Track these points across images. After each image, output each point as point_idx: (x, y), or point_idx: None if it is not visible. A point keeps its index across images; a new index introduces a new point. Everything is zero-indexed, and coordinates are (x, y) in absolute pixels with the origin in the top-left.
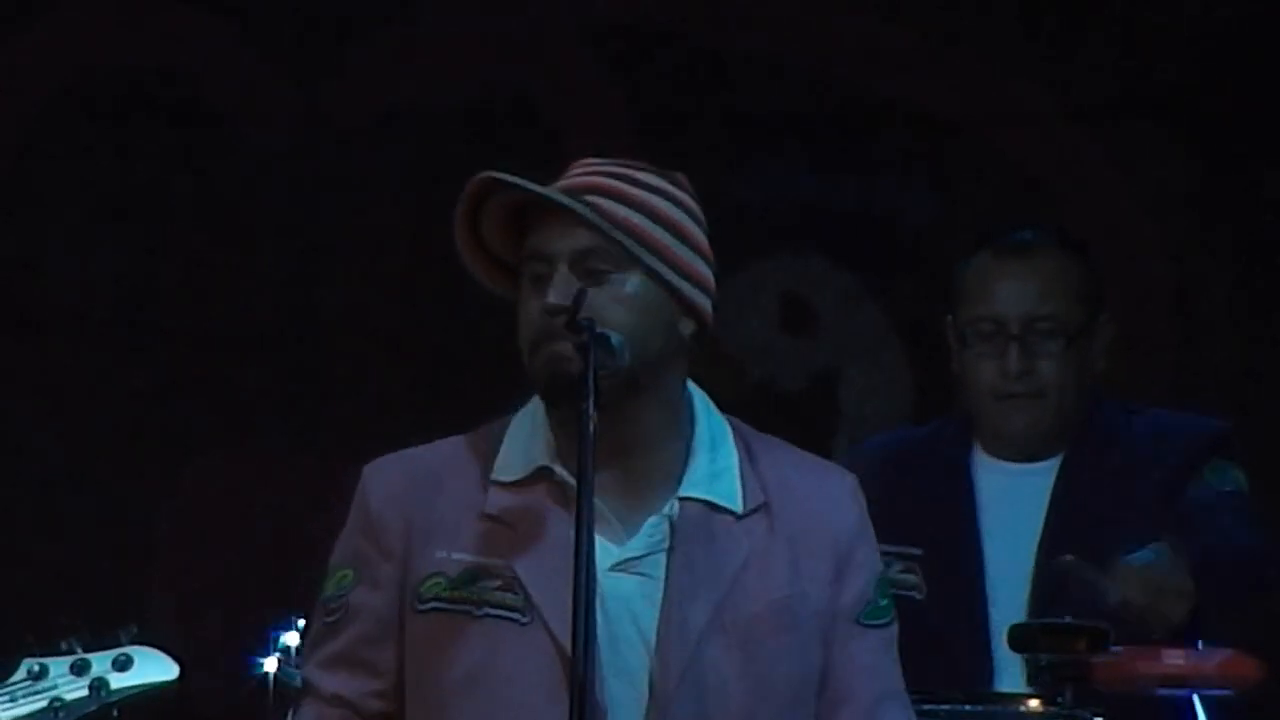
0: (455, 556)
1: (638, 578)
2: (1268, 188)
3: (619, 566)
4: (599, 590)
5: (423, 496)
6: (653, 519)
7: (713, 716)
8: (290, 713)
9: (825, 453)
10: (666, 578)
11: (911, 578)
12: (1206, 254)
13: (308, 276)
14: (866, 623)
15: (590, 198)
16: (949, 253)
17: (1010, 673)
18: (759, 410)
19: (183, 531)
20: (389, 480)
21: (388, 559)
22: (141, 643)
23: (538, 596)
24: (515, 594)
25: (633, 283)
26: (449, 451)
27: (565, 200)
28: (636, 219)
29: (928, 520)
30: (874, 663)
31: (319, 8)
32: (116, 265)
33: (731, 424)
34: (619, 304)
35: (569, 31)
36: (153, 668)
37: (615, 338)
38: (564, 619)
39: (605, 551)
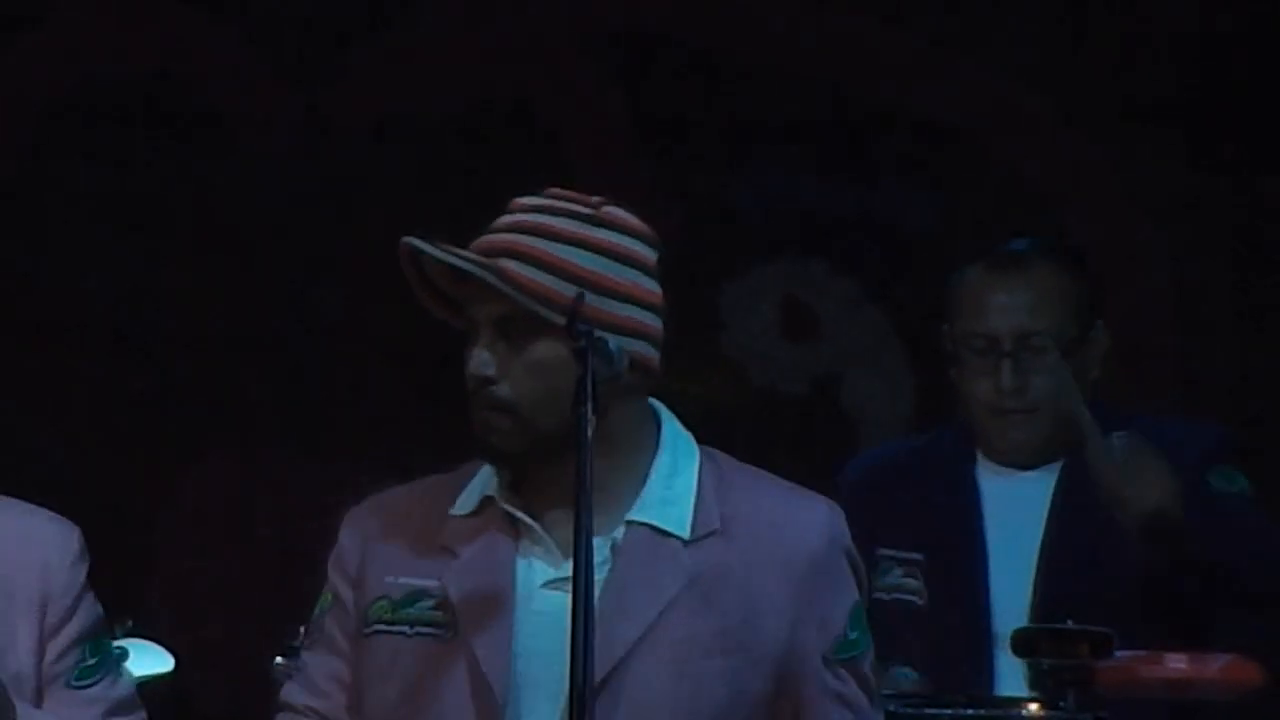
0: (401, 581)
1: (570, 596)
2: (1267, 193)
3: (552, 584)
4: (530, 606)
5: (387, 529)
6: (599, 537)
7: None
8: None
9: (826, 457)
10: (600, 596)
11: (913, 582)
12: (1206, 259)
13: (308, 281)
14: (836, 657)
15: (503, 262)
16: (949, 257)
17: (1011, 678)
18: (761, 415)
19: (183, 535)
20: (365, 514)
21: (350, 586)
22: (136, 635)
23: (461, 612)
24: (444, 612)
25: (548, 348)
26: (425, 489)
27: (474, 269)
28: (546, 281)
29: (931, 526)
30: (844, 695)
31: (318, 13)
32: (117, 269)
33: (707, 454)
34: (533, 371)
35: (568, 37)
36: (147, 660)
37: (613, 343)
38: (484, 634)
39: (540, 571)
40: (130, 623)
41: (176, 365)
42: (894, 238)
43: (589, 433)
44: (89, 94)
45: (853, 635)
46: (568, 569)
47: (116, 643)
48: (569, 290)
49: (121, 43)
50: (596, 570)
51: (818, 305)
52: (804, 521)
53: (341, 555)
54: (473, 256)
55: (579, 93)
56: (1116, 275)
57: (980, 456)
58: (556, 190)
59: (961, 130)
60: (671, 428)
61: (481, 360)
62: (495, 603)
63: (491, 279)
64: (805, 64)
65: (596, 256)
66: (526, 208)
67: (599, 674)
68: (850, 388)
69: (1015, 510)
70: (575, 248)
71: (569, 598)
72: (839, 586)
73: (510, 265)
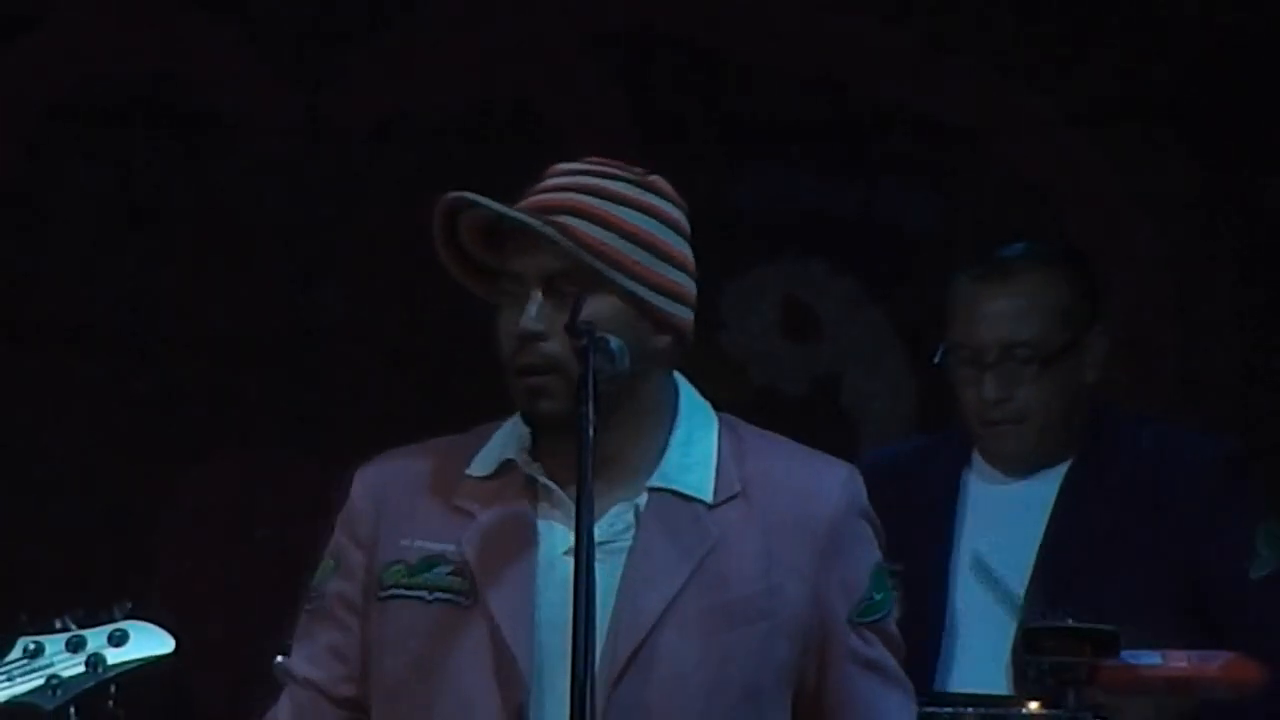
0: (417, 544)
1: (597, 564)
2: (1269, 193)
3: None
4: (552, 574)
5: (401, 490)
6: (616, 507)
7: (665, 704)
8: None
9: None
10: (626, 563)
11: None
12: (1208, 259)
13: (309, 282)
14: (860, 620)
15: (561, 218)
16: (950, 258)
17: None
18: (761, 415)
19: (184, 536)
20: (373, 475)
21: (360, 548)
22: (136, 618)
23: (481, 579)
24: (463, 578)
25: (604, 305)
26: (439, 449)
27: (535, 224)
28: (608, 240)
29: (909, 532)
30: (871, 658)
31: (320, 13)
32: (118, 271)
33: (724, 420)
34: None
35: (570, 36)
36: (148, 642)
37: (615, 342)
38: (504, 600)
39: (562, 537)
40: (130, 605)
41: (177, 366)
42: (895, 238)
43: (590, 432)
44: (89, 94)
45: (877, 596)
46: (593, 534)
47: (117, 625)
48: (627, 249)
49: (122, 43)
50: (619, 537)
51: (818, 305)
52: (824, 484)
53: (353, 517)
54: (530, 211)
55: (580, 93)
56: (1117, 275)
57: (977, 461)
58: (597, 158)
59: (962, 130)
60: (689, 396)
61: (532, 315)
62: (516, 570)
63: (553, 234)
64: (806, 64)
65: (650, 219)
66: (575, 171)
67: (629, 647)
68: (850, 388)
69: (1006, 516)
70: (631, 209)
71: (596, 565)
72: (860, 548)
73: (570, 222)
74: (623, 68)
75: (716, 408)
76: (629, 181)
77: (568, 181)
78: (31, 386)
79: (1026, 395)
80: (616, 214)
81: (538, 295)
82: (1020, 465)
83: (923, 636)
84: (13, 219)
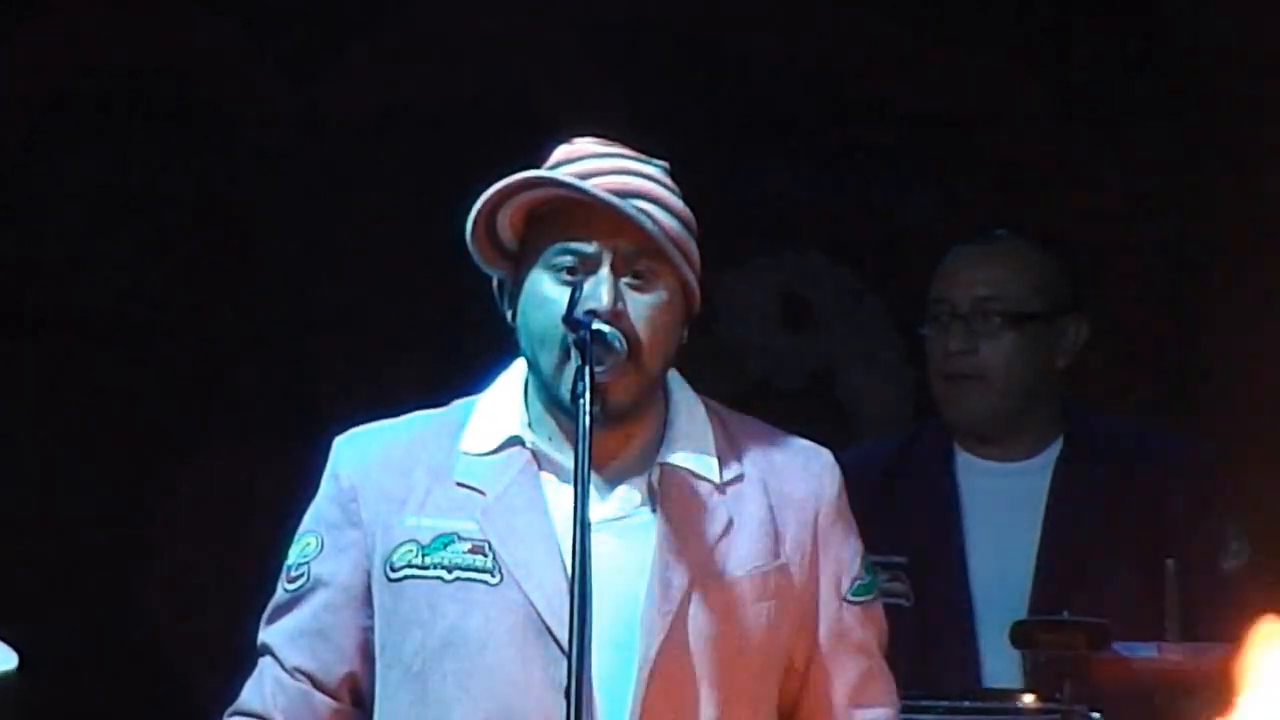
0: (426, 523)
1: (616, 539)
2: (1266, 187)
3: (593, 527)
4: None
5: (395, 467)
6: (629, 481)
7: (696, 677)
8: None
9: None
10: (656, 536)
11: (898, 585)
12: (1204, 253)
13: (307, 274)
14: (854, 599)
15: (640, 203)
16: (947, 250)
17: (998, 675)
18: (757, 407)
19: (182, 527)
20: (362, 451)
21: (356, 526)
22: None
23: (506, 556)
24: (485, 555)
25: (668, 290)
26: (420, 425)
27: (630, 210)
28: (676, 228)
29: (911, 528)
30: (861, 639)
31: (317, 5)
32: (116, 263)
33: (704, 401)
34: (657, 311)
35: (566, 29)
36: None
37: (611, 334)
38: (534, 577)
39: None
40: None
41: (175, 356)
42: (892, 230)
43: (588, 424)
44: (87, 86)
45: (866, 578)
46: (607, 510)
47: None
48: (686, 239)
49: (120, 34)
50: (635, 511)
51: (815, 297)
52: (814, 468)
53: (345, 494)
54: (606, 193)
55: (576, 85)
56: (1113, 269)
57: (960, 451)
58: (605, 139)
59: (959, 122)
60: (673, 375)
61: (614, 293)
62: (540, 545)
63: (644, 221)
64: (803, 56)
65: (687, 213)
66: (617, 154)
67: (665, 624)
68: (847, 380)
69: (1000, 505)
70: (680, 200)
71: (617, 541)
72: (849, 531)
73: (649, 206)
74: (619, 59)
75: (713, 399)
76: (663, 170)
77: (625, 165)
78: (28, 377)
79: (989, 351)
80: (678, 204)
81: (608, 272)
82: (977, 429)
83: (947, 626)
84: (10, 209)
